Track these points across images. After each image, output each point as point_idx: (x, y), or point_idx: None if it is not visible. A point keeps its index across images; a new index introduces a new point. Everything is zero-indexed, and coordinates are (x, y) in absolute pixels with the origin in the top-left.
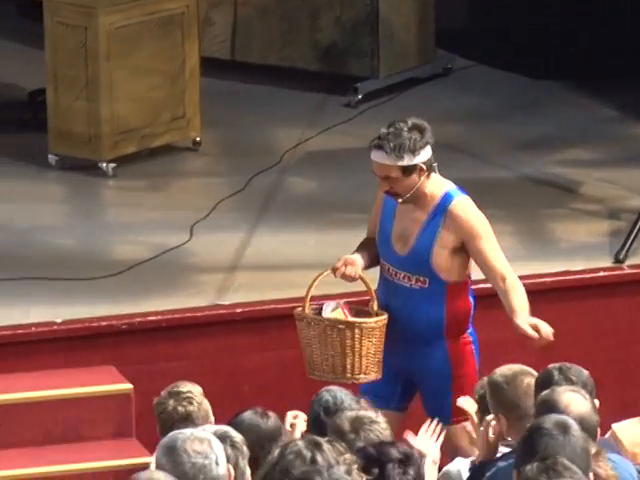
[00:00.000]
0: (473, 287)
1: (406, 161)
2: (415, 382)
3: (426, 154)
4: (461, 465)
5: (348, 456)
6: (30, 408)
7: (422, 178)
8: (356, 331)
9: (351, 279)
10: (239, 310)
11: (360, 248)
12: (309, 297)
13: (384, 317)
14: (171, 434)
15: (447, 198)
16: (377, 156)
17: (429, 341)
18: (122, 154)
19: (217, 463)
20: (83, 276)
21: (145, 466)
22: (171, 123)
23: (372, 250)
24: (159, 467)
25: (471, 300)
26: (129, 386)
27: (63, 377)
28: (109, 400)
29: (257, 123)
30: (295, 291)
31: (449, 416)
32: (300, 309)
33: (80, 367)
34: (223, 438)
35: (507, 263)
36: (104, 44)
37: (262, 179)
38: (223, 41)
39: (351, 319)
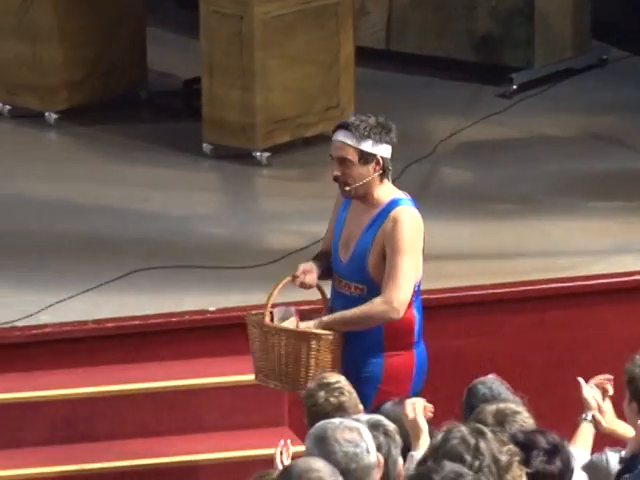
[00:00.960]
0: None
1: (367, 147)
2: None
3: (386, 151)
4: (610, 456)
5: (512, 447)
6: (185, 396)
7: (375, 174)
8: (312, 342)
9: (309, 287)
10: None
11: (315, 258)
12: (270, 305)
13: (335, 333)
14: (320, 424)
15: (393, 204)
16: (339, 135)
17: (366, 351)
18: (276, 143)
19: (368, 451)
20: (236, 264)
21: (298, 455)
22: (325, 112)
23: (325, 262)
24: (308, 454)
25: (415, 313)
26: None
27: (217, 365)
28: (263, 388)
29: (411, 113)
30: (449, 281)
31: None
32: (254, 314)
33: (233, 355)
34: (376, 426)
35: (401, 289)
36: (259, 33)
37: (416, 169)
38: (378, 31)
39: (317, 331)
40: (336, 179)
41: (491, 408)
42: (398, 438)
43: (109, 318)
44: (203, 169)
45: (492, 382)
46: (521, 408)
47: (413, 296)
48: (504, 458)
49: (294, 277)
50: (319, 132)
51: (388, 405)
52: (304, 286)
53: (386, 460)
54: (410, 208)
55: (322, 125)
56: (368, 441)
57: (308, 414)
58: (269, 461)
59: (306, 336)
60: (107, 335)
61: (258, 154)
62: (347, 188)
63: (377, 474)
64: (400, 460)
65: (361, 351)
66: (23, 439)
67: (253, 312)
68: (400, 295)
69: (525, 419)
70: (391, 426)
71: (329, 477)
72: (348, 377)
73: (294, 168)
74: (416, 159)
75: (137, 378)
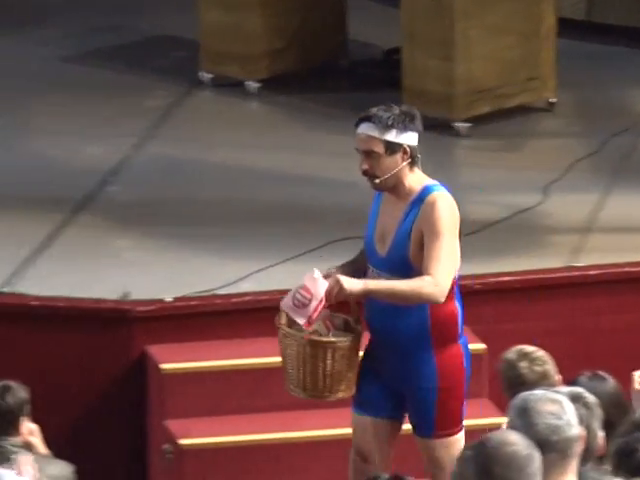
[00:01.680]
0: None
1: (392, 137)
2: (402, 391)
3: (413, 139)
4: None
5: None
6: None
7: (404, 163)
8: (328, 351)
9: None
10: (593, 272)
11: (353, 260)
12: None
13: (355, 335)
14: (522, 395)
15: (426, 190)
16: (363, 128)
17: (416, 350)
18: (476, 114)
19: (570, 424)
20: None
21: (497, 427)
22: (526, 83)
23: (359, 261)
24: (512, 428)
25: (457, 305)
26: (482, 346)
27: None
28: None
29: (613, 85)
30: None
31: (432, 429)
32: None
33: None
34: (576, 399)
35: (447, 272)
36: (460, 2)
37: (617, 141)
38: (579, 2)
39: (324, 339)
40: (365, 173)
41: None
42: (598, 411)
43: None
44: None
45: None
46: None
47: (455, 287)
48: None
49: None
50: (519, 103)
51: (583, 379)
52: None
53: (586, 433)
54: (445, 193)
55: (523, 96)
56: (570, 414)
57: (509, 385)
58: (471, 432)
59: (320, 344)
60: None
61: (458, 125)
62: (377, 181)
63: (579, 447)
64: (600, 433)
65: (409, 350)
66: (223, 407)
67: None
68: (447, 278)
69: None
70: (591, 398)
71: (524, 450)
72: (396, 379)
73: (494, 139)
74: (618, 131)
75: None
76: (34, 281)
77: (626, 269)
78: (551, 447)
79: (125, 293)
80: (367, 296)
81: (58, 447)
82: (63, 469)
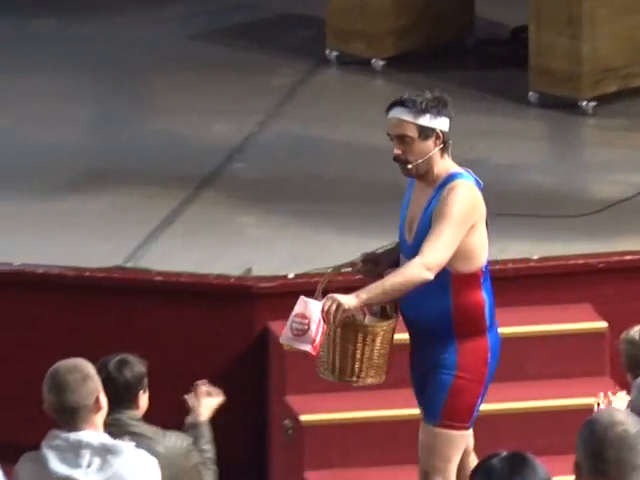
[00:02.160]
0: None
1: (426, 121)
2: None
3: (445, 125)
4: None
5: None
6: (507, 344)
7: (436, 149)
8: (359, 335)
9: (369, 277)
10: None
11: (392, 248)
12: (320, 291)
13: (390, 322)
14: None
15: (450, 177)
16: (397, 112)
17: (438, 336)
18: (603, 93)
19: None
20: (560, 213)
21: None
22: None
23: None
24: (635, 406)
25: (484, 296)
26: (604, 324)
27: (538, 313)
28: (584, 338)
29: None
30: None
31: (438, 417)
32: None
33: (555, 304)
34: None
35: (443, 255)
36: None
37: None
38: None
39: (357, 322)
40: (396, 159)
41: None
42: None
43: None
44: (528, 117)
45: None
46: None
47: (481, 278)
48: None
49: (352, 265)
50: None
51: None
52: (365, 274)
53: None
54: (469, 182)
55: None
56: None
57: (629, 362)
58: (589, 410)
59: (354, 328)
60: None
61: (584, 103)
62: (409, 166)
63: None
64: None
65: (432, 339)
66: None
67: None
68: (434, 255)
69: None
70: None
71: (633, 428)
72: (420, 365)
73: (621, 118)
74: None
75: None
76: (158, 257)
77: None
78: None
79: (248, 269)
80: (367, 305)
81: (180, 422)
82: (178, 439)
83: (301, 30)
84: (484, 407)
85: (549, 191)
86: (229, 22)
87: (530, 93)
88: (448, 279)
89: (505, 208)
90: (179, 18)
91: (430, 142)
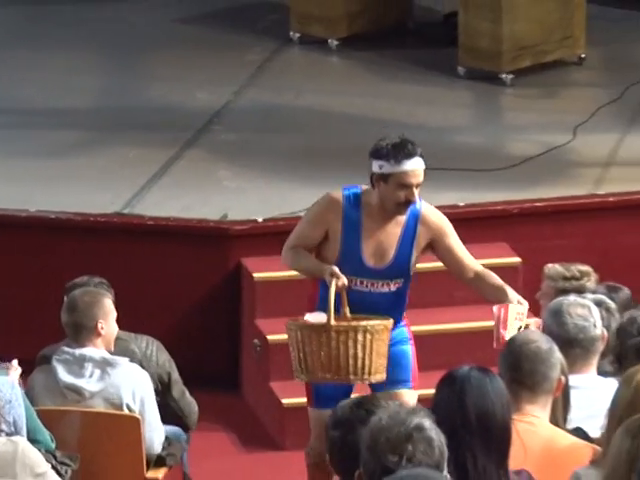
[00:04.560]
0: None
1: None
2: None
3: None
4: None
5: None
6: (436, 276)
7: None
8: (367, 334)
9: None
10: (612, 199)
11: (311, 258)
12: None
13: (385, 321)
14: (557, 300)
15: (414, 204)
16: (417, 164)
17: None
18: (519, 67)
19: (595, 326)
20: (484, 168)
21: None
22: (561, 42)
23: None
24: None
25: None
26: (518, 260)
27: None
28: (501, 271)
29: (635, 45)
30: None
31: (409, 380)
32: (293, 320)
33: (478, 243)
34: (599, 304)
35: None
36: None
37: (636, 90)
38: None
39: (363, 323)
40: (409, 203)
41: None
42: (617, 315)
43: None
44: (458, 88)
45: None
46: None
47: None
48: None
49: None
50: (555, 58)
51: (602, 288)
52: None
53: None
54: (423, 202)
55: (558, 52)
56: (596, 317)
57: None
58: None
59: (362, 328)
60: None
61: (504, 76)
62: (407, 208)
63: (600, 345)
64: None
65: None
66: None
67: (291, 320)
68: (475, 260)
69: None
70: (612, 304)
71: (545, 345)
72: None
73: (533, 88)
74: (636, 81)
75: None
76: (150, 204)
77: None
78: (577, 343)
79: (224, 214)
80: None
81: (170, 340)
82: (149, 341)
83: (269, 15)
84: (421, 329)
85: (475, 149)
86: (210, 8)
87: (459, 68)
88: (409, 282)
89: (439, 163)
90: (168, 5)
91: None
